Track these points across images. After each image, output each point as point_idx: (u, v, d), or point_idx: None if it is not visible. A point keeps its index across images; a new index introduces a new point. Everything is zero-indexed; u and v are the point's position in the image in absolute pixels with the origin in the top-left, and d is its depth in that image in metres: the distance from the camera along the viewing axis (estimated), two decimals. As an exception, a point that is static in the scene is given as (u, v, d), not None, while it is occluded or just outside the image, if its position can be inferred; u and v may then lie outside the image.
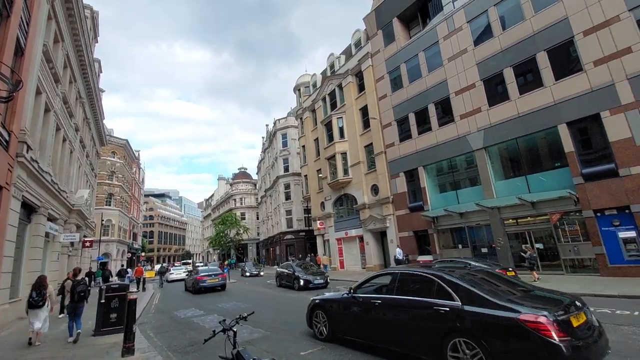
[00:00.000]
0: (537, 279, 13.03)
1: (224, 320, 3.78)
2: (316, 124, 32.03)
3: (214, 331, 3.64)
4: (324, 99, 30.90)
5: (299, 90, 38.23)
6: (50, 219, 14.68)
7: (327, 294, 7.60)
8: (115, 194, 42.33)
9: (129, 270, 28.45)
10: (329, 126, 28.59)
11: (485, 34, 18.08)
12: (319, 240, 31.16)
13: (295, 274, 16.92)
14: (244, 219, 61.41)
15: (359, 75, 26.70)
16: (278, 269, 19.85)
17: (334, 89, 29.27)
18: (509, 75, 16.73)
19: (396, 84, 23.26)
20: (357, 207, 25.56)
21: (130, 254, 47.04)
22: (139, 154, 58.68)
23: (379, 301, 5.82)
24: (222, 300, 14.53)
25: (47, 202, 13.57)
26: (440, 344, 4.69)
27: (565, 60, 14.95)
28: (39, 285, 7.52)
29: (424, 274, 5.48)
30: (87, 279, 11.18)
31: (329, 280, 17.36)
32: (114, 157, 43.76)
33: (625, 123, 12.92)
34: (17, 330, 9.34)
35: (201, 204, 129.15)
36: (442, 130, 19.72)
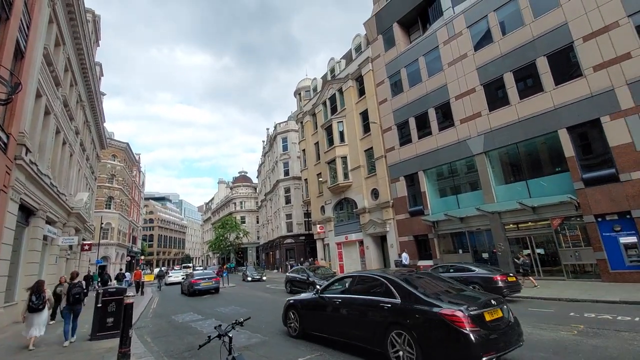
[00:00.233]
0: (535, 285, 12.91)
1: (220, 326, 3.72)
2: (316, 128, 32.06)
3: (209, 337, 3.58)
4: (324, 103, 30.96)
5: (300, 94, 38.34)
6: (49, 222, 14.63)
7: (300, 295, 8.33)
8: (115, 197, 42.27)
9: (127, 274, 28.34)
10: (329, 130, 28.61)
11: (485, 39, 18.13)
12: (319, 245, 31.03)
13: (310, 279, 15.85)
14: (244, 222, 61.29)
15: (360, 80, 26.77)
16: (289, 274, 18.58)
17: (335, 93, 29.33)
18: (509, 80, 16.75)
19: (396, 88, 23.30)
20: (357, 211, 25.48)
21: (129, 258, 46.85)
22: (139, 157, 58.73)
23: (340, 300, 6.66)
24: (220, 305, 14.42)
25: (46, 205, 13.52)
26: (383, 336, 5.44)
27: (565, 65, 14.97)
28: (38, 290, 7.58)
29: (375, 276, 6.38)
30: (84, 282, 11.08)
31: None
32: (114, 160, 43.76)
33: (626, 128, 12.90)
34: (12, 335, 9.23)
35: (201, 208, 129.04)
36: (443, 134, 19.71)
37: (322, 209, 30.39)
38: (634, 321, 7.51)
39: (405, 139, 22.25)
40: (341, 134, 27.56)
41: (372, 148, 24.71)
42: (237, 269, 50.81)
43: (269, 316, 10.65)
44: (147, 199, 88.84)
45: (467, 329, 4.58)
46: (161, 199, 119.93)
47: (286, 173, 42.82)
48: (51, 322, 10.64)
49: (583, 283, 13.20)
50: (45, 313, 7.74)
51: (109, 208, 41.21)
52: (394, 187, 22.56)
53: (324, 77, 33.60)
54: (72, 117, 17.83)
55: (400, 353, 5.15)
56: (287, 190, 42.33)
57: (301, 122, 35.68)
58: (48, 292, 7.92)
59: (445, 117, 19.90)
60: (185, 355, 6.84)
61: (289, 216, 41.54)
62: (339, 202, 28.30)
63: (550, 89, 15.17)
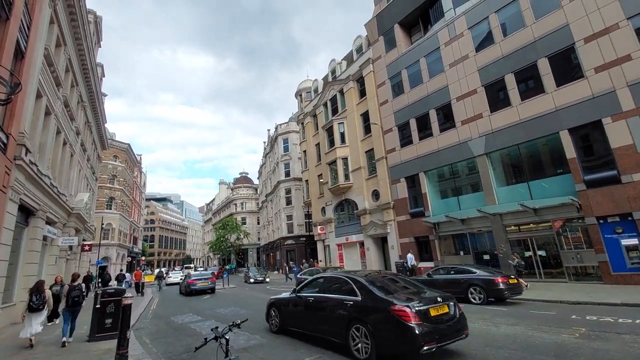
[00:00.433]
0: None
1: (217, 328, 3.67)
2: (317, 129, 32.04)
3: (205, 339, 3.53)
4: (325, 104, 30.95)
5: (301, 95, 38.34)
6: (49, 222, 14.61)
7: (281, 295, 8.93)
8: (116, 197, 42.32)
9: (127, 274, 28.33)
10: (330, 131, 28.59)
11: (486, 41, 18.10)
12: (319, 246, 30.96)
13: None
14: (244, 223, 61.26)
15: (360, 81, 26.76)
16: (300, 276, 17.47)
17: (335, 95, 29.33)
18: (510, 81, 16.71)
19: (397, 89, 23.27)
20: (358, 213, 25.42)
21: (130, 258, 46.88)
22: (140, 158, 58.82)
23: (312, 299, 7.33)
24: (220, 306, 14.37)
25: (46, 206, 13.50)
26: (346, 329, 6.11)
27: (567, 66, 14.92)
28: (38, 290, 7.73)
29: (342, 277, 7.07)
30: (83, 285, 11.07)
31: None
32: (115, 161, 43.83)
33: (627, 130, 12.85)
34: (9, 336, 9.20)
35: (202, 209, 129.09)
36: (444, 135, 19.66)
37: (323, 210, 30.34)
38: (635, 324, 7.45)
39: (406, 140, 22.20)
40: (342, 135, 27.53)
41: (373, 149, 24.67)
42: (237, 270, 50.77)
43: (269, 318, 10.58)
44: (148, 199, 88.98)
45: (413, 322, 5.28)
46: (162, 200, 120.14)
47: (287, 174, 42.79)
48: (56, 322, 10.69)
49: (585, 285, 13.11)
50: (45, 313, 7.86)
51: (110, 209, 41.25)
52: (394, 189, 22.50)
53: (325, 79, 33.60)
54: (73, 118, 17.85)
55: (359, 345, 5.84)
56: (288, 191, 42.30)
57: (302, 123, 35.68)
58: (48, 293, 8.06)
59: (447, 119, 19.85)
60: (184, 357, 6.80)
61: (289, 217, 41.49)
62: (339, 203, 28.25)
63: (552, 90, 15.12)
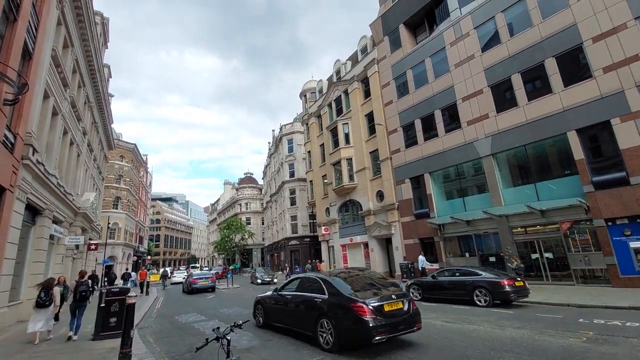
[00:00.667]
0: None
1: (218, 328, 3.66)
2: (322, 130, 32.01)
3: (206, 339, 3.52)
4: (329, 105, 30.93)
5: (305, 95, 38.37)
6: (56, 221, 14.76)
7: (266, 293, 9.74)
8: (122, 197, 42.70)
9: (132, 273, 28.55)
10: (334, 132, 28.55)
11: (492, 40, 17.95)
12: (323, 247, 30.91)
13: None
14: (249, 224, 61.44)
15: (365, 81, 26.69)
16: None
17: (340, 95, 29.29)
18: (517, 81, 16.54)
19: (402, 90, 23.17)
20: (362, 213, 25.34)
21: (136, 257, 47.24)
22: (146, 158, 59.30)
23: (290, 296, 8.19)
24: (224, 306, 14.41)
25: (53, 205, 13.65)
26: (316, 323, 6.96)
27: (574, 66, 14.73)
28: (47, 287, 8.09)
29: (314, 277, 7.92)
30: (90, 281, 11.22)
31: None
32: (122, 161, 44.23)
33: (636, 130, 12.65)
34: (15, 334, 9.30)
35: (207, 209, 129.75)
36: (449, 136, 19.52)
37: (327, 210, 30.31)
38: (646, 328, 7.30)
39: (411, 141, 22.08)
40: (346, 135, 27.48)
41: (377, 150, 24.58)
42: (242, 270, 50.93)
43: (272, 318, 10.57)
44: (154, 199, 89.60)
45: (368, 316, 6.13)
46: (168, 200, 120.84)
47: (291, 174, 42.82)
48: (55, 323, 10.49)
49: (592, 288, 12.92)
50: (51, 309, 8.09)
51: (116, 208, 41.63)
52: (399, 189, 22.39)
53: (330, 79, 33.59)
54: (80, 118, 18.03)
55: (325, 336, 6.69)
56: (292, 191, 42.32)
57: (307, 124, 35.68)
58: (56, 290, 8.36)
59: (452, 119, 19.71)
60: (187, 356, 6.80)
61: (294, 218, 41.50)
62: (344, 203, 28.19)
63: (559, 90, 14.94)
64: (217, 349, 3.55)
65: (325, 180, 30.57)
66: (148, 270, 32.51)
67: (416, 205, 21.34)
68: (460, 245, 19.19)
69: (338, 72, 31.65)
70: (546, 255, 15.22)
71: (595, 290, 12.52)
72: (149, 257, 64.98)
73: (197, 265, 70.84)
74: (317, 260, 30.24)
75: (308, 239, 38.99)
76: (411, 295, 11.01)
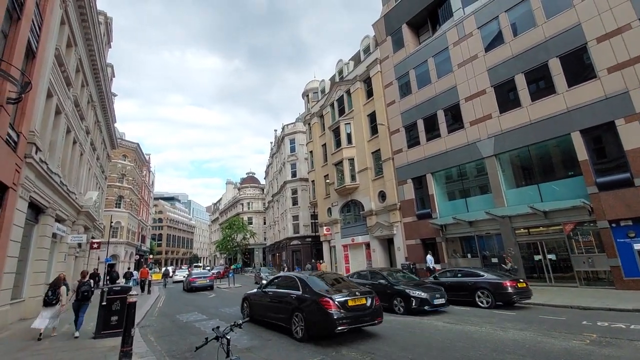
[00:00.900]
0: None
1: (218, 327, 3.64)
2: (324, 130, 31.98)
3: (206, 338, 3.50)
4: (332, 105, 30.89)
5: (308, 95, 38.34)
6: (58, 220, 14.81)
7: (252, 290, 10.54)
8: (125, 196, 42.83)
9: (134, 272, 28.66)
10: (336, 132, 28.51)
11: (496, 40, 17.86)
12: (325, 247, 30.87)
13: (397, 287, 11.08)
14: (251, 223, 61.47)
15: (368, 81, 26.63)
16: (349, 278, 13.47)
17: (342, 95, 29.24)
18: (520, 81, 16.45)
19: (405, 90, 23.10)
20: (364, 214, 25.29)
21: (138, 256, 47.38)
22: (149, 158, 59.47)
23: (272, 293, 9.10)
24: (225, 305, 14.41)
25: (55, 203, 13.69)
26: (291, 316, 7.85)
27: (579, 67, 14.63)
28: (55, 285, 8.41)
29: (292, 276, 8.89)
30: (92, 281, 11.32)
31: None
32: (124, 160, 44.37)
33: (641, 131, 12.53)
34: (17, 331, 9.34)
35: (209, 208, 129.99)
36: (452, 136, 19.44)
37: (329, 210, 30.27)
38: (650, 331, 7.23)
39: (413, 141, 22.02)
40: (349, 135, 27.43)
41: (379, 150, 24.52)
42: (243, 270, 50.98)
43: (273, 318, 10.57)
44: (156, 198, 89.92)
45: (332, 310, 7.05)
46: (170, 199, 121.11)
47: (293, 174, 42.80)
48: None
49: (596, 290, 12.82)
50: (57, 307, 8.33)
51: (119, 207, 41.78)
52: (401, 190, 22.33)
53: (332, 79, 33.55)
54: (83, 117, 18.09)
55: (298, 328, 7.56)
56: (294, 191, 42.31)
57: (309, 124, 35.66)
58: (63, 289, 8.56)
59: (455, 119, 19.63)
60: (187, 355, 6.80)
61: (295, 217, 41.48)
62: (345, 204, 28.15)
63: (563, 90, 14.84)
64: (217, 348, 3.54)
65: (327, 181, 30.54)
66: (150, 269, 32.75)
67: (418, 206, 21.27)
68: (462, 246, 19.10)
69: (340, 72, 31.61)
70: (549, 256, 15.12)
71: (599, 292, 12.43)
72: (151, 256, 65.19)
73: (200, 264, 71.67)
74: (317, 261, 30.19)
75: (310, 239, 38.96)
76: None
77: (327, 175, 30.65)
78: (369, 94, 26.28)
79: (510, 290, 10.81)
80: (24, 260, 11.44)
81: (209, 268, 48.20)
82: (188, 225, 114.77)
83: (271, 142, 57.83)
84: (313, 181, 34.72)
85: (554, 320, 8.78)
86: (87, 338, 8.22)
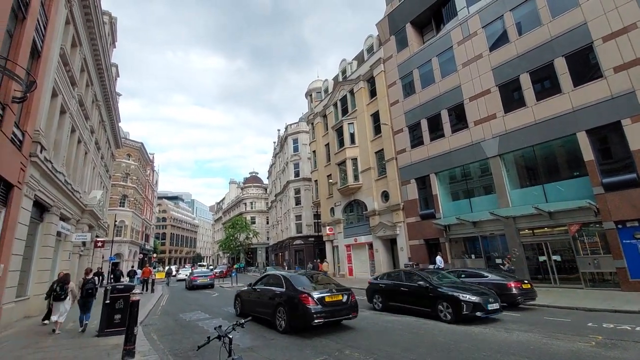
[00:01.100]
0: None
1: (220, 327, 3.63)
2: (327, 130, 31.96)
3: (208, 337, 3.49)
4: (335, 105, 30.86)
5: (311, 95, 38.33)
6: (63, 218, 14.91)
7: (243, 288, 11.48)
8: (129, 195, 43.08)
9: (138, 271, 28.83)
10: (339, 131, 28.48)
11: (501, 40, 17.74)
12: (327, 247, 30.86)
13: (441, 290, 9.59)
14: (254, 223, 61.61)
15: (371, 81, 26.57)
16: (376, 280, 12.53)
17: (346, 95, 29.20)
18: (525, 81, 16.33)
19: (408, 89, 23.02)
20: (367, 214, 25.23)
21: (142, 255, 47.64)
22: (153, 157, 59.78)
23: (260, 289, 10.00)
24: (228, 304, 14.40)
25: (60, 202, 13.78)
26: (275, 310, 8.70)
27: (585, 66, 14.49)
28: (63, 282, 8.83)
29: (278, 274, 9.73)
30: (96, 278, 11.46)
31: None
32: (128, 160, 44.63)
33: (649, 131, 12.38)
34: (22, 329, 9.41)
35: (212, 207, 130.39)
36: (456, 136, 19.34)
37: (332, 210, 30.24)
38: (657, 334, 7.13)
39: (416, 141, 21.93)
40: (352, 135, 27.38)
41: (382, 150, 24.45)
42: (246, 269, 51.08)
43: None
44: (160, 198, 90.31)
45: (310, 305, 7.89)
46: (174, 198, 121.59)
47: (296, 174, 42.82)
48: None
49: (601, 292, 12.69)
50: (68, 302, 8.82)
51: (123, 206, 42.02)
52: (404, 190, 22.25)
53: (335, 79, 33.52)
54: (88, 117, 18.19)
55: (281, 321, 8.42)
56: (297, 191, 42.32)
57: (312, 124, 35.66)
58: (72, 285, 9.04)
59: (459, 119, 19.52)
60: (190, 354, 6.80)
61: (298, 217, 41.49)
62: (348, 204, 28.10)
63: (569, 90, 14.71)
64: (219, 347, 3.52)
65: (330, 180, 30.50)
66: (154, 268, 32.98)
67: (422, 206, 21.19)
68: (466, 247, 19.00)
69: (344, 71, 31.56)
70: (554, 257, 14.99)
71: (604, 293, 12.30)
72: (154, 255, 65.56)
73: (204, 263, 72.31)
74: (319, 260, 30.15)
75: (312, 239, 38.94)
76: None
77: (330, 175, 30.62)
78: (372, 93, 26.21)
79: (514, 291, 10.73)
80: (29, 259, 11.52)
81: (212, 267, 48.43)
82: (191, 224, 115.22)
83: (274, 142, 57.90)
84: (316, 181, 34.71)
85: (559, 322, 8.69)
86: (91, 336, 8.26)
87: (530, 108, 15.97)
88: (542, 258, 15.38)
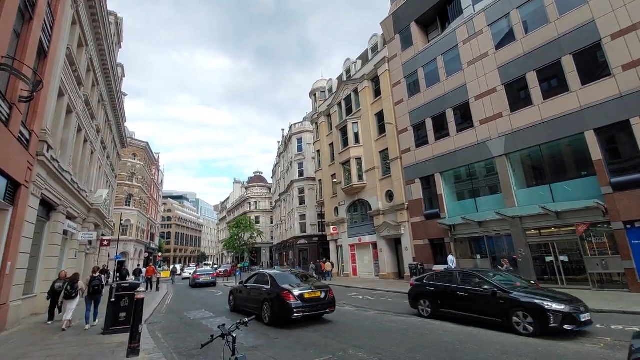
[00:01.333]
0: None
1: (224, 325, 3.61)
2: (331, 129, 31.91)
3: (212, 336, 3.48)
4: (339, 104, 30.79)
5: (315, 95, 38.31)
6: (69, 217, 15.04)
7: (236, 284, 12.82)
8: (134, 194, 43.36)
9: (143, 269, 29.04)
10: (344, 131, 28.42)
11: (507, 38, 17.55)
12: (332, 246, 30.82)
13: (513, 295, 7.94)
14: (258, 222, 61.75)
15: (375, 80, 26.47)
16: (416, 281, 10.94)
17: (350, 94, 29.13)
18: (532, 79, 16.14)
19: (413, 88, 22.89)
20: (371, 213, 25.15)
21: (147, 254, 47.93)
22: (158, 157, 60.11)
23: (249, 287, 10.90)
24: (232, 304, 14.44)
25: (66, 201, 13.90)
26: (262, 305, 9.59)
27: (593, 64, 14.28)
28: (73, 281, 9.25)
29: (265, 273, 10.76)
30: (103, 276, 11.63)
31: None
32: (134, 159, 44.92)
33: (659, 130, 12.17)
34: (29, 326, 9.50)
35: (217, 207, 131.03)
36: (461, 136, 19.19)
37: (336, 210, 30.20)
38: (668, 336, 6.98)
39: (421, 141, 21.80)
40: (356, 135, 27.31)
41: (387, 149, 24.35)
42: (250, 269, 51.20)
43: (280, 317, 10.58)
44: (165, 197, 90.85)
45: (291, 300, 8.80)
46: (179, 198, 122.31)
47: (301, 174, 42.85)
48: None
49: (609, 293, 12.51)
50: (77, 300, 9.25)
51: (129, 205, 42.30)
52: (409, 189, 22.14)
53: (340, 78, 33.46)
54: (94, 116, 18.33)
55: (266, 315, 9.33)
56: (302, 190, 42.35)
57: (316, 123, 35.62)
58: (81, 283, 9.49)
59: (464, 118, 19.36)
60: (194, 352, 6.81)
61: (302, 217, 41.52)
62: (353, 203, 28.04)
63: (577, 88, 14.51)
64: (223, 345, 3.51)
65: (334, 180, 30.46)
66: (159, 267, 33.26)
67: (426, 206, 21.06)
68: (471, 247, 18.85)
69: (348, 71, 31.48)
70: (561, 258, 14.80)
71: (612, 295, 12.13)
72: (160, 254, 65.89)
73: (209, 262, 73.00)
74: (322, 260, 30.11)
75: (317, 238, 38.95)
76: None
77: (335, 174, 30.57)
78: (377, 92, 26.12)
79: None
80: (36, 257, 11.64)
81: (216, 266, 48.70)
82: (196, 223, 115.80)
83: (278, 142, 57.97)
84: (320, 180, 34.68)
85: (566, 323, 8.55)
86: (96, 334, 8.32)
87: (537, 107, 15.79)
88: (549, 258, 15.20)
